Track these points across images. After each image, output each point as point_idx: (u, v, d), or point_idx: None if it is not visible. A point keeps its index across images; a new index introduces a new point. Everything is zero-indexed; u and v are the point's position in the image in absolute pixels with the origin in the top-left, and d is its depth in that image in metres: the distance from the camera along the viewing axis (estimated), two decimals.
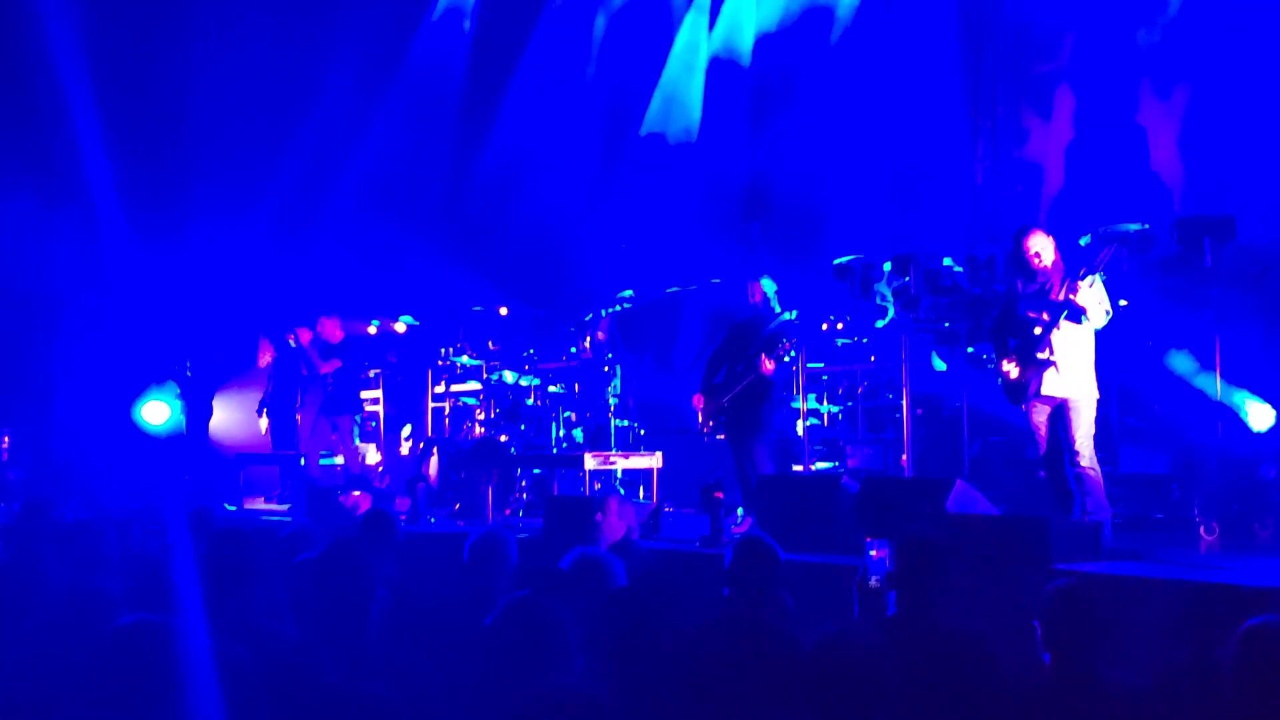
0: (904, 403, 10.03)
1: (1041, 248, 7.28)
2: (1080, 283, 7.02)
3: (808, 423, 10.78)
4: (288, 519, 9.73)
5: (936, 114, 12.22)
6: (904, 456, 10.02)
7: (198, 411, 12.59)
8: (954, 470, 9.22)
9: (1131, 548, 6.73)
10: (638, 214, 13.54)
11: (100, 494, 11.43)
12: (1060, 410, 7.19)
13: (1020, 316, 7.33)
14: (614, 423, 10.60)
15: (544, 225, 13.96)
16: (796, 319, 9.09)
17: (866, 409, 11.02)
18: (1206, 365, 8.45)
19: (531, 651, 3.55)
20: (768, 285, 9.10)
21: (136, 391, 13.17)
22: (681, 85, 14.18)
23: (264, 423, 12.53)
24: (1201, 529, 7.61)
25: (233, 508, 11.31)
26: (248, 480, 12.18)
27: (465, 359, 12.07)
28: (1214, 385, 8.29)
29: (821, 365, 11.08)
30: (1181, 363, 8.57)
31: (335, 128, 14.20)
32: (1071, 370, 7.15)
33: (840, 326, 11.03)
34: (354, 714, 3.39)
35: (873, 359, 10.95)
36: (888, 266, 10.96)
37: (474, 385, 12.07)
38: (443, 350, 12.28)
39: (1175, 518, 8.23)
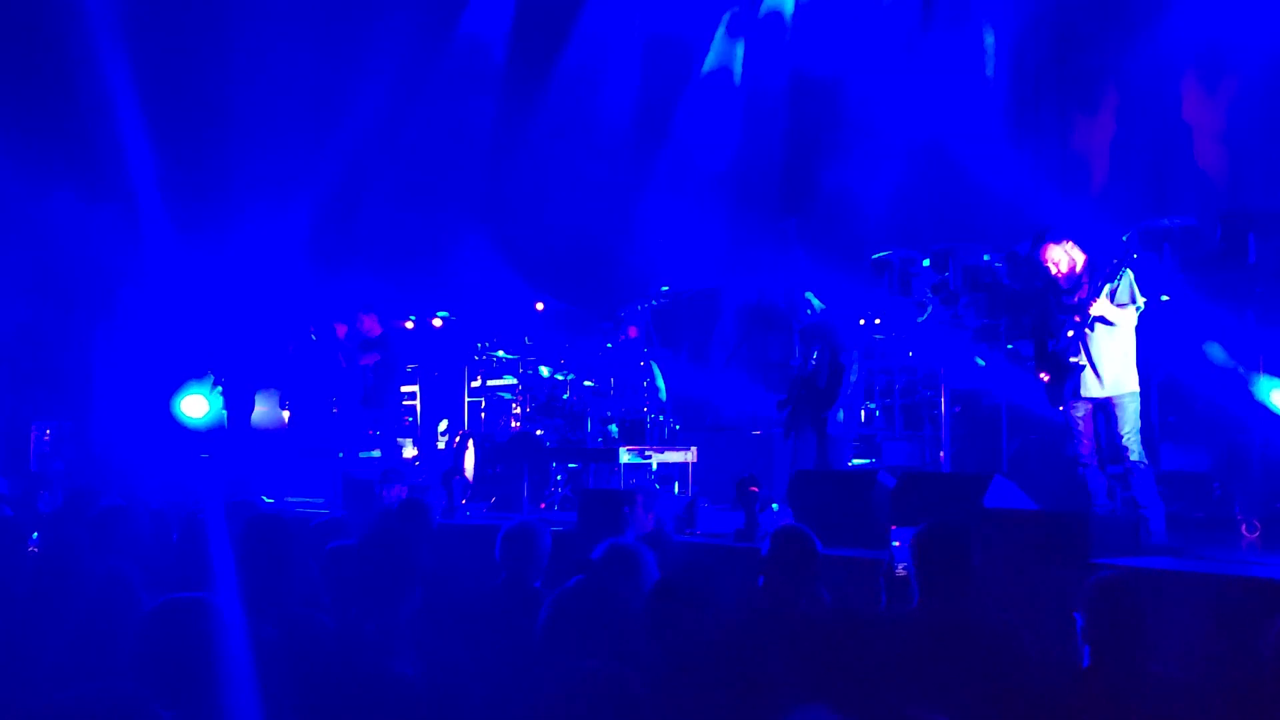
0: (942, 399, 9.96)
1: (1058, 259, 7.19)
2: (1095, 299, 6.94)
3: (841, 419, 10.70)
4: (324, 511, 9.78)
5: (979, 107, 12.12)
6: (942, 453, 9.96)
7: (238, 405, 12.63)
8: (992, 467, 9.13)
9: (1171, 545, 6.65)
10: (675, 208, 13.51)
11: (139, 487, 11.51)
12: (1103, 409, 7.10)
13: (1054, 318, 7.24)
14: (648, 418, 10.58)
15: (581, 220, 13.95)
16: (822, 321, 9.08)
17: (904, 405, 10.94)
18: (1249, 362, 8.33)
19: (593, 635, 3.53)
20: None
21: (176, 385, 13.26)
22: (720, 78, 14.15)
23: (285, 414, 12.54)
24: (1243, 527, 7.50)
25: (270, 500, 11.37)
26: (286, 475, 12.23)
27: (501, 353, 12.10)
28: (1255, 382, 8.17)
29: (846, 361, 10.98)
30: (1221, 354, 8.44)
31: (373, 124, 14.25)
32: (1111, 369, 7.04)
33: (878, 322, 10.97)
34: (386, 697, 3.40)
35: (910, 355, 10.88)
36: (927, 262, 10.90)
37: (510, 380, 12.09)
38: (479, 345, 12.31)
39: (1216, 516, 8.12)
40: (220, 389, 12.39)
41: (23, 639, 4.09)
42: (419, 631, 4.23)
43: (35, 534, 6.32)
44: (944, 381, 10.03)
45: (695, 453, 10.36)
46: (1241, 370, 8.31)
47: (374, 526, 4.64)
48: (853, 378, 8.81)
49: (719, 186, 13.65)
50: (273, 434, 12.92)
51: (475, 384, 12.48)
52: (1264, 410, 8.19)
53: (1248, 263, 8.69)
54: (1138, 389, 7.12)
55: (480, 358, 12.29)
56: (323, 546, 5.21)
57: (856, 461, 10.78)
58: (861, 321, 10.93)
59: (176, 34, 12.99)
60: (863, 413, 11.18)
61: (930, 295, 10.75)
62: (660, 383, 11.07)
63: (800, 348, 9.25)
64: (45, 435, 13.28)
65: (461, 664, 4.07)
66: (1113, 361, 7.06)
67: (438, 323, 13.50)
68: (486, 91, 14.80)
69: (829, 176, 12.71)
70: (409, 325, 13.67)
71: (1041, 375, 7.29)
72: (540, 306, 12.90)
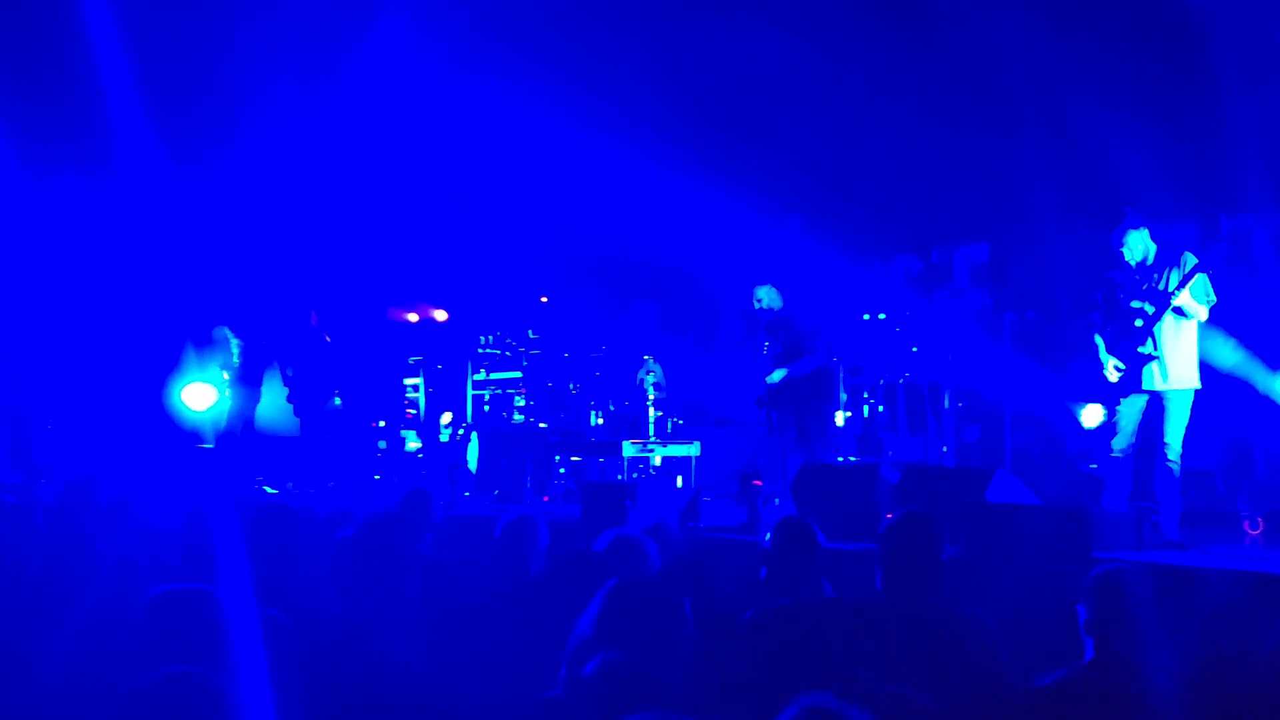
0: (946, 394, 9.97)
1: (1134, 245, 7.12)
2: (1177, 291, 6.87)
3: (846, 414, 10.72)
4: (330, 500, 9.81)
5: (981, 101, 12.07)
6: (945, 448, 9.97)
7: (244, 395, 12.60)
8: (996, 462, 9.15)
9: (1175, 540, 6.67)
10: (675, 203, 13.46)
11: (142, 478, 11.51)
12: (1158, 404, 7.03)
13: (1122, 307, 7.12)
14: (651, 412, 10.59)
15: (583, 213, 13.92)
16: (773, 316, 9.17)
17: (907, 400, 10.94)
18: (1253, 357, 8.34)
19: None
20: (763, 293, 9.24)
21: (181, 374, 13.24)
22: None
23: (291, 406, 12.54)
24: (1246, 524, 7.50)
25: (274, 491, 11.40)
26: (288, 464, 12.25)
27: (505, 347, 12.13)
28: (1260, 377, 8.19)
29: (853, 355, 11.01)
30: (1226, 351, 8.44)
31: (371, 116, 14.19)
32: (1176, 363, 6.97)
33: (882, 317, 10.97)
34: (389, 684, 3.43)
35: (915, 350, 10.88)
36: (932, 257, 10.90)
37: (514, 373, 12.11)
38: (483, 338, 12.32)
39: (1220, 512, 8.12)
40: (229, 373, 12.28)
41: (31, 627, 4.11)
42: (423, 617, 4.25)
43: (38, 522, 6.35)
44: (948, 377, 10.03)
45: (699, 447, 10.38)
46: (1246, 366, 8.32)
47: (377, 518, 4.65)
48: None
49: (723, 180, 13.60)
50: (278, 427, 12.94)
51: (479, 377, 12.50)
52: (1268, 406, 8.19)
53: (1253, 258, 8.70)
54: (1198, 385, 7.05)
55: (484, 350, 12.31)
56: (331, 537, 5.23)
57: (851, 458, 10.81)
58: (867, 317, 10.96)
59: (175, 28, 12.87)
60: (865, 408, 11.19)
61: (937, 289, 10.76)
62: (663, 378, 11.09)
63: (751, 342, 9.34)
64: (48, 425, 13.29)
65: (463, 646, 4.11)
66: (1178, 355, 6.98)
67: (442, 315, 13.52)
68: (488, 74, 14.71)
69: (832, 172, 12.67)
70: (413, 318, 13.69)
71: (1111, 367, 7.16)
72: (544, 300, 12.91)
